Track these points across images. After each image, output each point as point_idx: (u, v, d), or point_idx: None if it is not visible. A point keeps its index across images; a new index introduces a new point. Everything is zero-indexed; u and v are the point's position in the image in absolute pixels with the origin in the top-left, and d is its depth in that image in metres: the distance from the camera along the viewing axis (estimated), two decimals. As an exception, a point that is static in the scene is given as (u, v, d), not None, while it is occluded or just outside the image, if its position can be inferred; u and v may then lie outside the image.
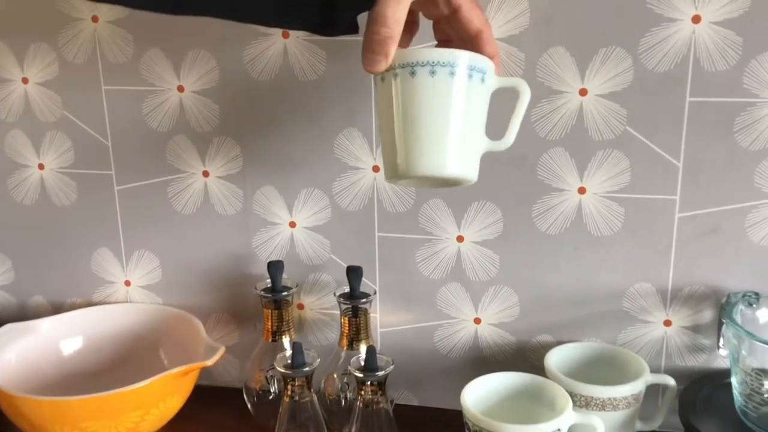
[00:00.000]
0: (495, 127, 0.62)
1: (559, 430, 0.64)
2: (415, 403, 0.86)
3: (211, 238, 0.85)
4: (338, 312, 0.80)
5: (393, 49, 0.55)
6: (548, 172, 0.74)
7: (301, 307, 0.86)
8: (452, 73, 0.56)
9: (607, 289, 0.76)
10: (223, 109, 0.81)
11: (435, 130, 0.56)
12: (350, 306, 0.78)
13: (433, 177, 0.59)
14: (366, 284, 0.80)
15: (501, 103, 0.61)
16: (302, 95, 0.78)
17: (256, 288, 0.81)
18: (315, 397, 0.74)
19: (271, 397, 0.81)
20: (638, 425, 0.74)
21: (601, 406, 0.69)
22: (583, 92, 0.71)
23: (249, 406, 0.83)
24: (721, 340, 0.72)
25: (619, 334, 0.78)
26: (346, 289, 0.78)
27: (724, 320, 0.68)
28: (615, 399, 0.69)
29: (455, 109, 0.57)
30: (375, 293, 0.80)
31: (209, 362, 0.74)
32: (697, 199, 0.72)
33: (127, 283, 0.90)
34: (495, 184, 0.75)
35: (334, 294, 0.79)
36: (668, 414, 0.74)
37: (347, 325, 0.78)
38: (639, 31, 0.68)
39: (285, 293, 0.80)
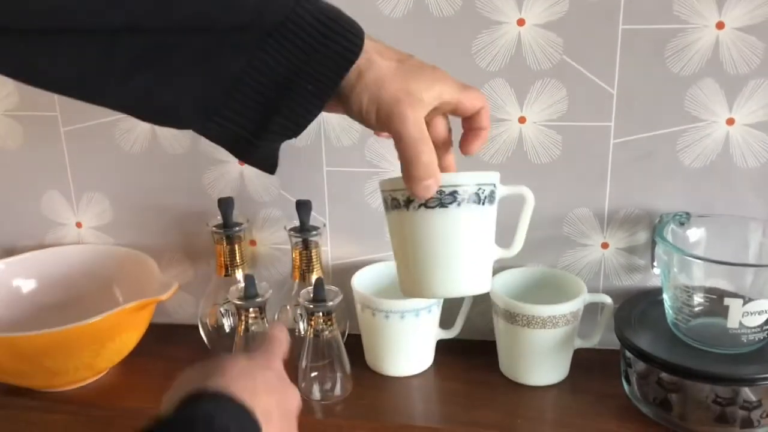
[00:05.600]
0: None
1: (494, 185, 0.57)
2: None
3: (160, 177, 0.86)
4: (290, 246, 0.81)
5: (436, 166, 0.49)
6: (490, 102, 0.75)
7: (253, 243, 0.87)
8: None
9: (548, 215, 0.79)
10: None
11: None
12: (300, 239, 0.80)
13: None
14: (316, 219, 0.82)
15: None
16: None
17: (207, 225, 0.82)
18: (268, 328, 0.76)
19: (227, 331, 0.83)
20: (578, 342, 0.78)
21: (542, 324, 0.73)
22: (520, 22, 0.72)
23: (205, 340, 0.85)
24: (655, 259, 0.76)
25: (560, 257, 0.81)
26: (297, 224, 0.80)
27: (656, 239, 0.71)
28: (554, 317, 0.73)
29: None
30: (324, 226, 0.82)
31: (163, 297, 0.75)
32: (631, 126, 0.74)
33: (79, 225, 0.90)
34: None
35: (285, 227, 0.81)
36: (605, 331, 0.78)
37: (298, 257, 0.80)
38: (573, -40, 0.70)
39: (236, 228, 0.81)
